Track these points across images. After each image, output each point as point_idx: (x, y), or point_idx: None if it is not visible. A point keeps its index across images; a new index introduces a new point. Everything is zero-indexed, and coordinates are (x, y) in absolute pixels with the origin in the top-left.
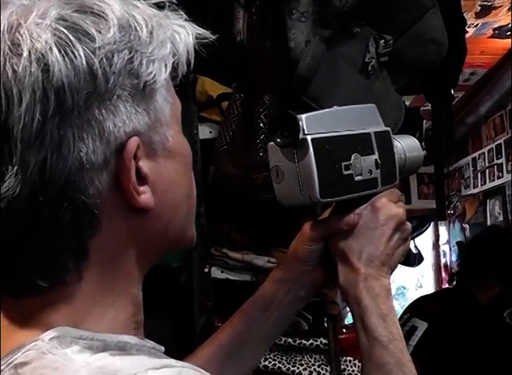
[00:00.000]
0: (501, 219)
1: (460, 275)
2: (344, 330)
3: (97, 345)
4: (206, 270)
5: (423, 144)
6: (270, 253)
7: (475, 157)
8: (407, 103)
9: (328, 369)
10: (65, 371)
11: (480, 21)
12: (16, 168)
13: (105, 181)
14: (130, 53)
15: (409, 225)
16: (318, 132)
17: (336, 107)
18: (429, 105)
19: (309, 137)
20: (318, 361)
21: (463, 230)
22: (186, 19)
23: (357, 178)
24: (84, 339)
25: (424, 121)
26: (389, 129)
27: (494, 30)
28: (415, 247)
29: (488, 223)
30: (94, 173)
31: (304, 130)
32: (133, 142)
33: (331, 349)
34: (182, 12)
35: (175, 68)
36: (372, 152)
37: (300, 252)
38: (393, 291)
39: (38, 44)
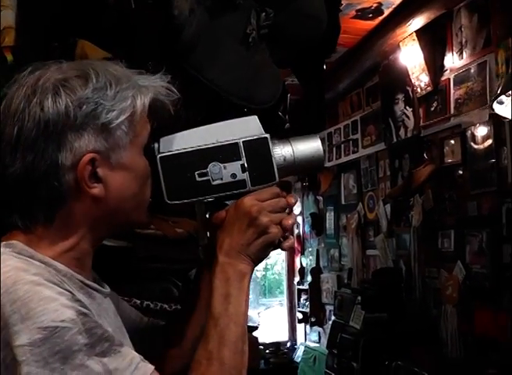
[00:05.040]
0: (355, 191)
1: None
2: None
3: (27, 254)
4: None
5: (287, 117)
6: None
7: (331, 132)
8: None
9: None
10: None
11: (344, 1)
12: (19, 159)
13: (72, 177)
14: (96, 105)
15: (264, 220)
16: (171, 150)
17: (212, 125)
18: (294, 78)
19: (158, 156)
20: None
21: (316, 201)
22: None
23: (216, 182)
24: (23, 253)
25: (289, 95)
26: (265, 136)
27: (357, 11)
28: None
29: (342, 196)
30: (65, 171)
31: (158, 150)
32: (87, 157)
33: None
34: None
35: (133, 113)
36: (238, 159)
37: (201, 241)
38: None
39: (43, 95)
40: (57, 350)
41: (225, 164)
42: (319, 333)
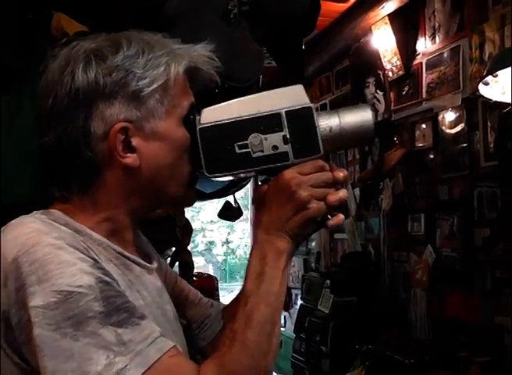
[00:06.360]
0: None
1: None
2: (194, 279)
3: (62, 222)
4: None
5: None
6: None
7: None
8: None
9: None
10: (25, 219)
11: None
12: (52, 129)
13: (105, 146)
14: (126, 72)
15: (303, 195)
16: (212, 121)
17: (254, 95)
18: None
19: (198, 127)
20: None
21: None
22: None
23: (256, 154)
24: (58, 220)
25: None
26: (310, 105)
27: None
28: (235, 201)
29: None
30: (98, 140)
31: (199, 121)
32: (118, 125)
33: None
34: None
35: (167, 81)
36: (280, 130)
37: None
38: (202, 248)
39: (75, 64)
40: (70, 315)
41: (267, 135)
42: (285, 317)
